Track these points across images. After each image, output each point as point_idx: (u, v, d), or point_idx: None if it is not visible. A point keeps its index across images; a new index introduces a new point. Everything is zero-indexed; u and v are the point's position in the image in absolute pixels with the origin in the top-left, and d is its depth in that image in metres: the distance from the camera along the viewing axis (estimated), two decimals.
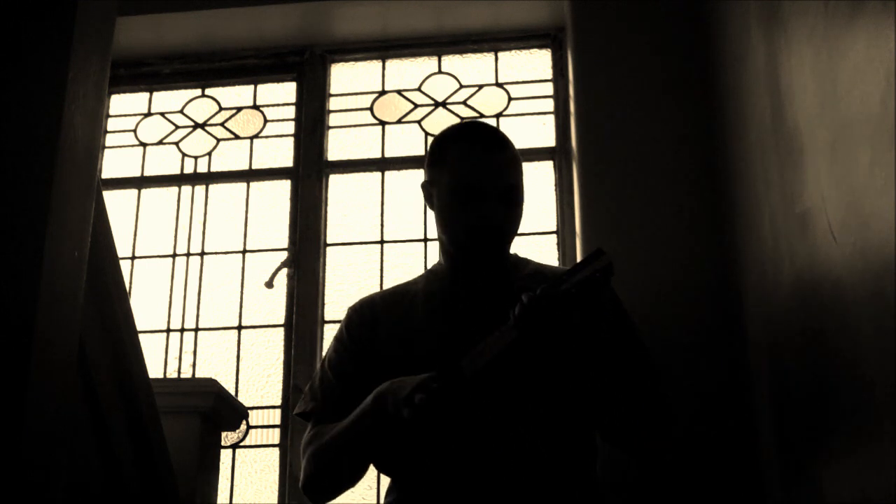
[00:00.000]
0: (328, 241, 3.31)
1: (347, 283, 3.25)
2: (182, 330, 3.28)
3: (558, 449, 1.66)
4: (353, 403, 1.67)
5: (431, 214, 3.17)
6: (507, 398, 1.65)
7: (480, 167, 1.72)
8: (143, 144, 3.53)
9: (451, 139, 1.79)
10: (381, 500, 1.80)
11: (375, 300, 1.87)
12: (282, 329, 3.23)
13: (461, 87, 3.44)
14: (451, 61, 3.49)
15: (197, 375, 3.21)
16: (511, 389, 1.65)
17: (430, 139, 3.37)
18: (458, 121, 3.39)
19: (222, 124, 3.52)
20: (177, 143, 3.52)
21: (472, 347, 1.57)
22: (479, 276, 1.78)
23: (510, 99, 3.40)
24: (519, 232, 3.19)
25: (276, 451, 3.09)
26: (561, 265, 3.13)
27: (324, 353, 1.89)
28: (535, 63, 3.45)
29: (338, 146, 3.44)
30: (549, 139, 3.33)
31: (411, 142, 3.38)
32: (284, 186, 3.41)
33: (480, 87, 3.44)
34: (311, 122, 3.43)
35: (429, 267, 1.96)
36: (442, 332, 1.72)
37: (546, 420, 1.67)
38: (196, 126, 3.53)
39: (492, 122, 3.38)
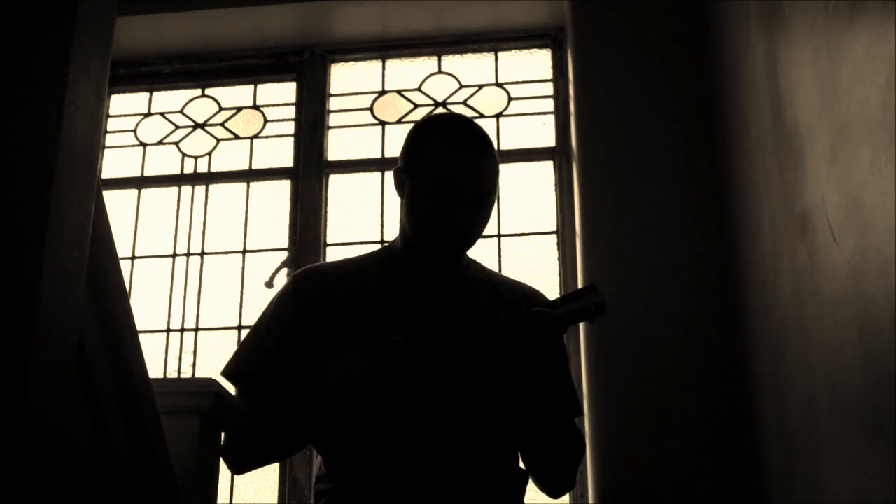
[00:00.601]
0: (328, 241, 3.31)
1: None
2: (182, 330, 3.28)
3: (496, 449, 1.72)
4: (291, 369, 1.68)
5: None
6: (472, 401, 1.68)
7: (462, 170, 1.69)
8: (143, 144, 3.53)
9: (434, 132, 1.75)
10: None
11: (326, 271, 1.82)
12: None
13: (461, 87, 3.44)
14: (451, 61, 3.49)
15: (197, 375, 3.21)
16: (479, 393, 1.69)
17: None
18: None
19: (222, 124, 3.52)
20: (177, 143, 3.52)
21: (465, 341, 1.65)
22: (440, 270, 1.79)
23: (510, 99, 3.40)
24: (519, 232, 3.25)
25: None
26: (561, 265, 3.13)
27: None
28: (535, 63, 3.45)
29: (338, 146, 3.44)
30: (549, 139, 3.33)
31: None
32: (284, 186, 3.41)
33: (480, 87, 3.44)
34: (311, 122, 3.43)
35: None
36: (409, 316, 1.73)
37: (496, 431, 1.71)
38: (196, 126, 3.53)
39: (492, 122, 3.38)
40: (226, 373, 1.77)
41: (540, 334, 1.61)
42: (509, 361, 1.65)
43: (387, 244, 1.92)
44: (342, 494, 1.66)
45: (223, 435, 1.75)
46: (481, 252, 3.22)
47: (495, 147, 1.79)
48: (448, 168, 1.69)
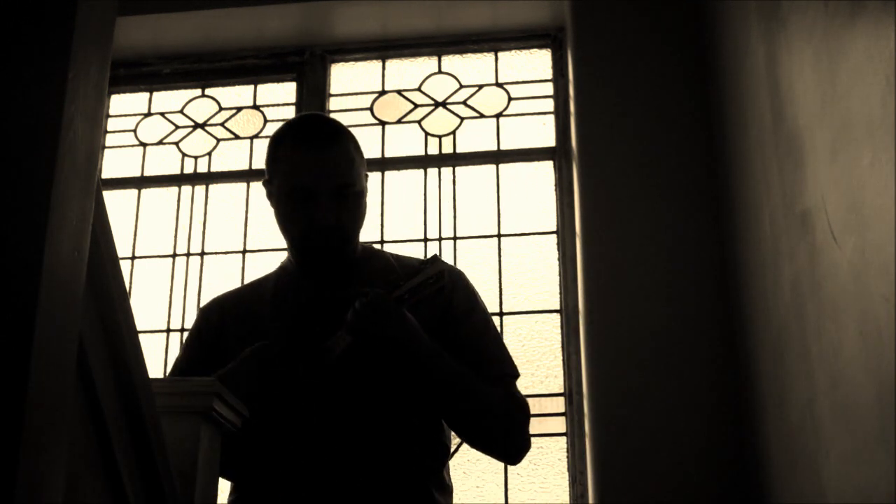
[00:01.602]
0: None
1: None
2: (182, 330, 3.28)
3: (393, 448, 1.66)
4: None
5: (432, 214, 3.17)
6: (345, 399, 1.66)
7: (308, 168, 1.70)
8: (143, 144, 3.53)
9: (283, 137, 1.76)
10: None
11: (225, 300, 1.87)
12: None
13: (461, 87, 3.44)
14: (451, 61, 3.49)
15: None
16: (349, 390, 1.67)
17: (431, 139, 3.37)
18: (457, 121, 3.39)
19: (222, 124, 3.52)
20: (177, 143, 3.52)
21: (318, 347, 1.63)
22: (325, 271, 1.77)
23: (510, 99, 3.40)
24: (519, 232, 3.24)
25: None
26: (561, 265, 3.13)
27: None
28: (535, 63, 3.45)
29: None
30: (549, 139, 3.33)
31: (411, 142, 3.37)
32: None
33: (480, 87, 3.44)
34: None
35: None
36: (287, 327, 1.73)
37: (384, 421, 1.67)
38: (196, 126, 3.53)
39: (492, 122, 3.38)
40: None
41: (377, 317, 1.58)
42: (369, 349, 1.62)
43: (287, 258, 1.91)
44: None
45: None
46: (481, 252, 3.23)
47: (353, 139, 1.78)
48: (297, 170, 1.71)
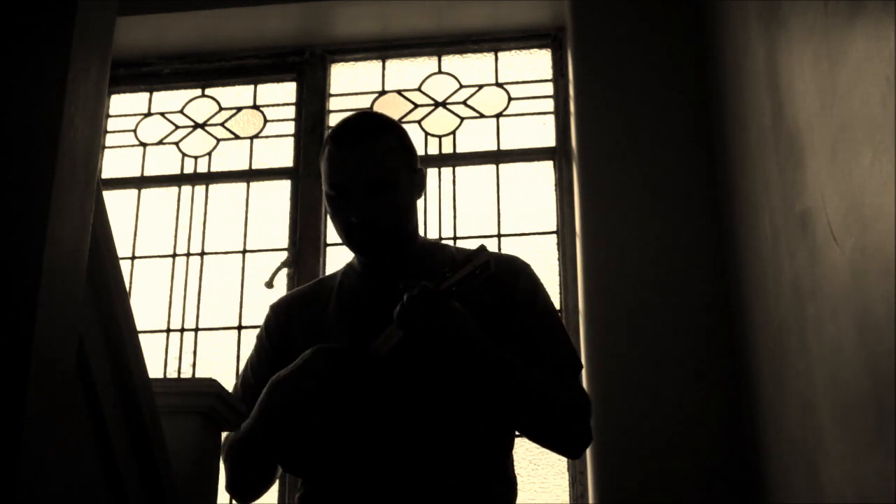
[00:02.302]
0: (328, 241, 3.31)
1: None
2: (182, 330, 3.28)
3: (460, 444, 1.65)
4: None
5: (432, 214, 3.17)
6: (407, 393, 1.65)
7: (341, 166, 1.71)
8: (143, 144, 3.53)
9: (327, 138, 1.78)
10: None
11: (293, 298, 1.87)
12: None
13: (461, 87, 3.44)
14: (451, 61, 3.49)
15: (197, 375, 3.21)
16: (410, 385, 1.66)
17: (431, 139, 3.37)
18: (457, 121, 3.39)
19: (222, 124, 3.52)
20: (177, 143, 3.52)
21: (369, 345, 1.61)
22: (387, 269, 1.77)
23: (510, 99, 3.40)
24: (519, 232, 3.24)
25: None
26: (561, 265, 3.13)
27: None
28: (535, 63, 3.45)
29: None
30: (549, 139, 3.33)
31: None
32: (284, 186, 3.41)
33: (480, 87, 3.44)
34: (311, 122, 3.43)
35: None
36: (350, 326, 1.72)
37: (447, 415, 1.65)
38: (196, 126, 3.53)
39: (492, 122, 3.38)
40: None
41: (424, 310, 1.56)
42: (420, 343, 1.60)
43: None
44: (311, 499, 1.70)
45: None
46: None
47: (396, 133, 1.76)
48: (332, 169, 1.72)
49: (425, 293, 1.57)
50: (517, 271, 1.76)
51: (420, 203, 1.88)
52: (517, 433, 1.76)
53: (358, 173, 1.70)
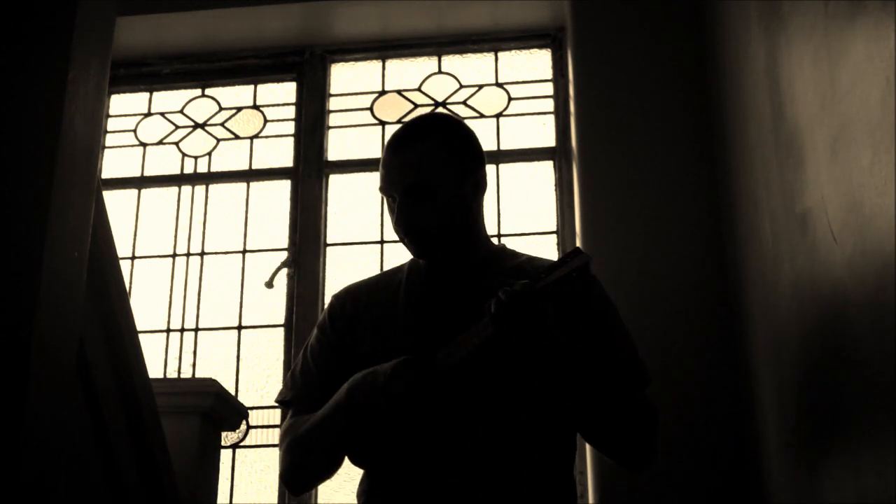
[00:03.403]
0: (328, 241, 3.31)
1: (347, 283, 3.23)
2: (182, 330, 3.28)
3: (529, 446, 1.64)
4: (332, 393, 1.68)
5: None
6: (483, 393, 1.64)
7: (386, 172, 1.73)
8: (143, 144, 3.53)
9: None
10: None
11: (360, 289, 1.85)
12: (282, 329, 3.23)
13: (461, 87, 3.44)
14: (451, 61, 3.49)
15: (197, 375, 3.21)
16: (487, 384, 1.64)
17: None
18: None
19: (222, 124, 3.52)
20: (177, 143, 3.52)
21: (451, 340, 1.58)
22: (453, 271, 1.77)
23: (510, 99, 3.40)
24: (519, 232, 3.24)
25: (276, 451, 3.09)
26: None
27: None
28: (535, 63, 3.45)
29: (338, 146, 3.44)
30: (549, 139, 3.33)
31: None
32: (284, 186, 3.41)
33: (480, 87, 3.44)
34: (311, 122, 3.43)
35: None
36: (416, 325, 1.71)
37: (519, 417, 1.65)
38: (196, 126, 3.53)
39: (492, 122, 3.38)
40: (277, 399, 1.82)
41: (522, 308, 1.53)
42: (505, 350, 1.59)
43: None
44: (376, 495, 1.69)
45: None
46: None
47: (445, 136, 1.75)
48: (383, 175, 1.74)
49: (525, 291, 1.54)
50: (589, 282, 1.73)
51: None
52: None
53: (397, 180, 1.71)
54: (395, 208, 1.72)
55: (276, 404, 1.83)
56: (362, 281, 1.92)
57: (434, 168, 1.71)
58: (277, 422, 3.13)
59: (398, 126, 1.84)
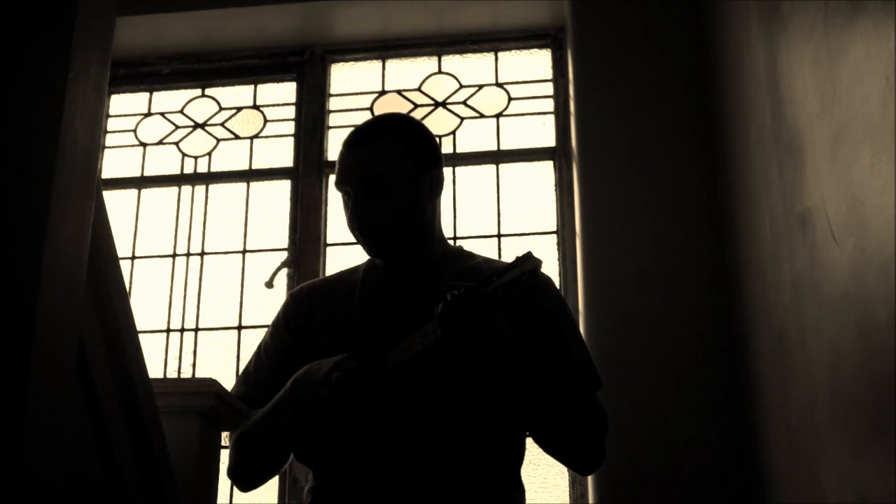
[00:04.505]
0: (328, 241, 3.31)
1: None
2: (182, 330, 3.28)
3: (477, 447, 1.64)
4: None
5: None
6: (430, 394, 1.64)
7: (342, 168, 1.74)
8: (143, 144, 3.53)
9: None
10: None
11: (316, 288, 1.85)
12: None
13: (461, 87, 3.44)
14: (451, 61, 3.49)
15: (197, 375, 3.21)
16: (435, 385, 1.65)
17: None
18: (457, 121, 3.40)
19: (222, 124, 3.52)
20: (177, 143, 3.52)
21: (399, 341, 1.60)
22: (407, 270, 1.76)
23: (510, 99, 3.40)
24: (519, 232, 3.24)
25: None
26: (561, 265, 3.13)
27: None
28: (535, 63, 3.45)
29: (338, 146, 3.41)
30: (549, 139, 3.33)
31: None
32: (284, 186, 3.41)
33: (480, 87, 3.44)
34: (311, 122, 3.43)
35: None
36: (371, 324, 1.71)
37: (467, 419, 1.64)
38: (196, 126, 3.53)
39: (492, 122, 3.38)
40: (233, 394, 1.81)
41: (471, 310, 1.55)
42: (452, 351, 1.60)
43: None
44: (321, 493, 1.68)
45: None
46: (481, 252, 3.21)
47: (402, 135, 1.75)
48: (339, 170, 1.75)
49: (472, 294, 1.56)
50: (543, 285, 1.75)
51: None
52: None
53: (353, 175, 1.71)
54: (350, 203, 1.72)
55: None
56: (319, 280, 1.94)
57: (390, 164, 1.71)
58: None
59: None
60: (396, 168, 1.72)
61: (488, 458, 1.65)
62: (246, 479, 1.75)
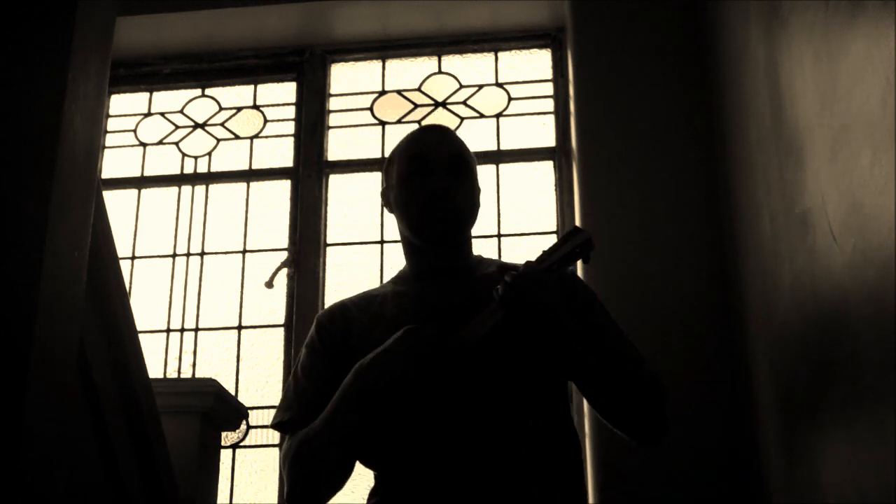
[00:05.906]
0: (328, 241, 3.31)
1: (347, 283, 3.25)
2: (182, 330, 3.28)
3: (544, 437, 1.62)
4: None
5: None
6: (495, 382, 1.62)
7: (423, 142, 1.76)
8: (143, 144, 3.54)
9: (401, 142, 1.83)
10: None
11: (347, 305, 1.81)
12: (282, 329, 3.23)
13: (461, 87, 3.44)
14: (451, 61, 3.49)
15: (197, 375, 3.21)
16: (502, 370, 1.63)
17: None
18: (457, 121, 3.40)
19: (222, 124, 3.52)
20: (177, 143, 3.52)
21: (463, 327, 1.57)
22: (442, 274, 1.75)
23: (510, 99, 3.40)
24: (519, 232, 3.24)
25: (276, 451, 3.09)
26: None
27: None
28: (535, 63, 3.45)
29: (338, 146, 3.44)
30: (549, 139, 3.33)
31: None
32: (284, 186, 3.41)
33: (480, 87, 3.44)
34: (311, 122, 3.43)
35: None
36: (417, 316, 1.70)
37: (534, 403, 1.63)
38: (196, 126, 3.53)
39: (492, 122, 3.38)
40: (272, 424, 1.74)
41: (533, 287, 1.56)
42: (516, 332, 1.59)
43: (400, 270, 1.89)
44: (388, 491, 1.64)
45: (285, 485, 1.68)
46: (481, 252, 3.22)
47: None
48: (415, 144, 1.76)
49: (531, 271, 1.57)
50: (572, 273, 1.78)
51: None
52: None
53: (442, 149, 1.74)
54: (429, 178, 1.70)
55: (273, 427, 1.74)
56: (346, 299, 1.88)
57: (469, 154, 1.77)
58: None
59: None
60: (472, 160, 1.78)
61: (552, 449, 1.63)
62: (308, 498, 1.63)
